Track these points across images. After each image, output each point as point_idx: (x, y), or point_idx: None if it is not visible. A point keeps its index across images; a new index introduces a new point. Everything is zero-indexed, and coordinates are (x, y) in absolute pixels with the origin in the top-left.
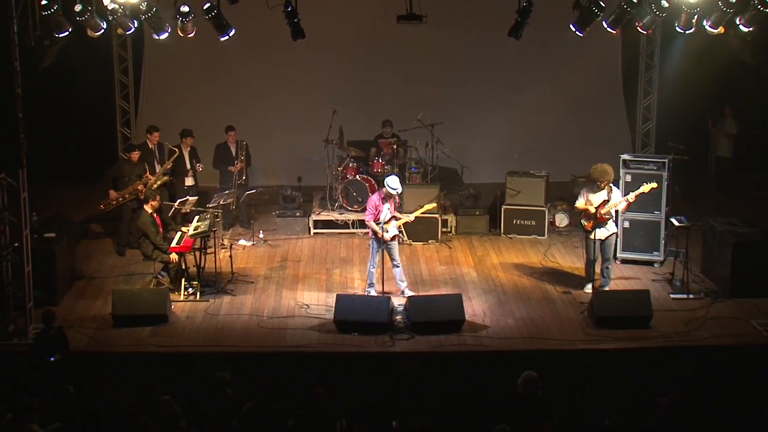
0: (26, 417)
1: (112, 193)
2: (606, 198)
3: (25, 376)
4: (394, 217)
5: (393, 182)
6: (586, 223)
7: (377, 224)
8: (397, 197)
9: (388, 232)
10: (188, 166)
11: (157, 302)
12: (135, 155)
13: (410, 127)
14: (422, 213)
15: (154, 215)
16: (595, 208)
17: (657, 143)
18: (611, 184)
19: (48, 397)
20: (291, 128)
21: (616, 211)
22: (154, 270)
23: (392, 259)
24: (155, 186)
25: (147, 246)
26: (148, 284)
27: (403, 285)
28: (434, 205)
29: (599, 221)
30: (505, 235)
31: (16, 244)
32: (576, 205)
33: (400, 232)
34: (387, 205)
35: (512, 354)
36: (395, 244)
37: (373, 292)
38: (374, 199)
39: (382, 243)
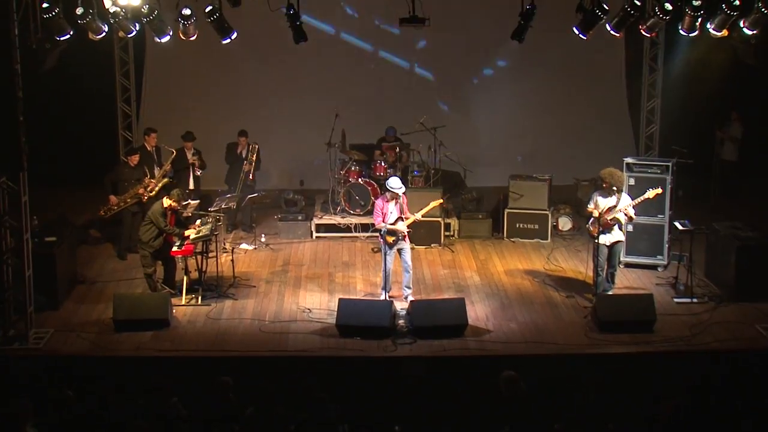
0: (23, 419)
1: (113, 199)
2: (614, 204)
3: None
4: (400, 218)
5: (394, 182)
6: (592, 229)
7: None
8: (403, 197)
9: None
10: (190, 169)
11: (159, 306)
12: (134, 159)
13: (413, 131)
14: (429, 210)
15: (168, 212)
16: (600, 213)
17: (660, 146)
18: (621, 191)
19: (47, 401)
20: (293, 131)
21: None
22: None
23: (404, 263)
24: (156, 189)
25: (146, 233)
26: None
27: (408, 291)
28: (440, 201)
29: (604, 227)
30: (508, 239)
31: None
32: (587, 208)
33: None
34: (393, 207)
35: (515, 359)
36: (407, 248)
37: (383, 296)
38: (379, 203)
39: (393, 246)
